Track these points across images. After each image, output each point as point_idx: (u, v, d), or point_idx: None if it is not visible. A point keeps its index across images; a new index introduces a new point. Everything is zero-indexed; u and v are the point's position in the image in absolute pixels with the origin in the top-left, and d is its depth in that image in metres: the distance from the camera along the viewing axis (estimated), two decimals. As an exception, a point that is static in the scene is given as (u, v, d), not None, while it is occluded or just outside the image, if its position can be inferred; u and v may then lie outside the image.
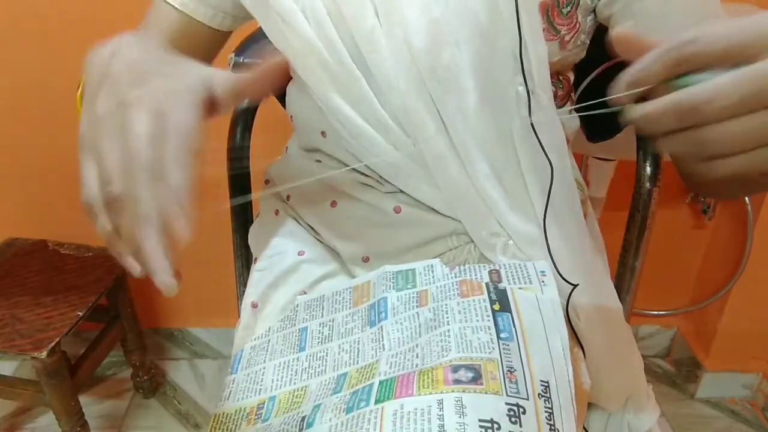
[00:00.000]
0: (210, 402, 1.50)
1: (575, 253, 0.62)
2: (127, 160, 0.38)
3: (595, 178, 1.21)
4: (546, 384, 0.48)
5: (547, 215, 0.61)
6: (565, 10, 0.59)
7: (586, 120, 0.74)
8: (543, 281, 0.57)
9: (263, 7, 0.60)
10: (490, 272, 0.58)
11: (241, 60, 0.83)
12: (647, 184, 0.74)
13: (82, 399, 1.28)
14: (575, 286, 0.60)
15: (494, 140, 0.60)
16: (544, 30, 0.58)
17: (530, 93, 0.57)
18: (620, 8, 0.59)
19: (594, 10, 0.61)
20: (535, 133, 0.59)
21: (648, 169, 0.74)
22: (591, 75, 0.78)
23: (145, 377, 1.49)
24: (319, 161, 0.70)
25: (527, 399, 0.46)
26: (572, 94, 0.69)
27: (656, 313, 1.58)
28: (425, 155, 0.60)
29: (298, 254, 0.69)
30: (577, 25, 0.60)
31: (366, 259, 0.66)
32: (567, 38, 0.60)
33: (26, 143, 1.36)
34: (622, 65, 0.83)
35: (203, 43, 0.67)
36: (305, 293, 0.66)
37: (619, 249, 0.78)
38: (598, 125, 0.82)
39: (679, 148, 0.33)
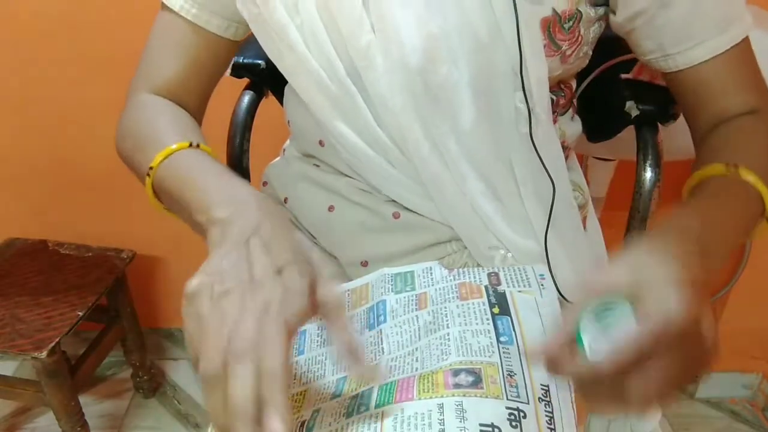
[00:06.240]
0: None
1: (577, 271, 0.61)
2: (229, 346, 0.39)
3: (595, 178, 1.20)
4: (546, 388, 0.48)
5: (548, 233, 0.60)
6: (567, 25, 0.58)
7: (586, 120, 0.74)
8: (542, 284, 0.57)
9: (259, 21, 0.60)
10: (489, 275, 0.58)
11: (241, 60, 0.83)
12: (647, 185, 0.74)
13: (82, 399, 1.28)
14: None
15: (489, 157, 0.59)
16: (545, 46, 0.57)
17: (530, 110, 0.57)
18: (643, 23, 0.58)
19: (598, 20, 0.61)
20: (536, 149, 0.58)
21: (648, 170, 0.73)
22: (591, 75, 0.78)
23: (145, 377, 1.49)
24: (317, 166, 0.70)
25: (528, 403, 0.46)
26: (573, 100, 0.69)
27: (656, 312, 1.57)
28: (420, 173, 0.60)
29: (296, 256, 0.69)
30: (579, 39, 0.60)
31: (365, 264, 0.66)
32: (568, 53, 0.60)
33: (27, 144, 1.36)
34: (622, 65, 0.83)
35: (217, 54, 0.66)
36: None
37: (620, 249, 0.78)
38: (598, 125, 0.82)
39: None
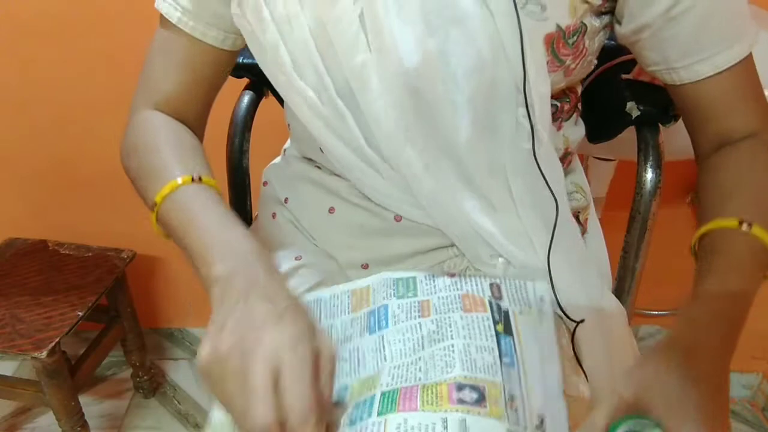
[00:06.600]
0: (210, 402, 1.50)
1: (579, 280, 0.61)
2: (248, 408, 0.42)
3: (595, 178, 1.20)
4: (542, 418, 0.48)
5: (550, 250, 0.60)
6: (570, 41, 0.57)
7: (586, 120, 0.73)
8: (541, 308, 0.56)
9: (252, 39, 0.59)
10: (491, 286, 0.58)
11: (241, 60, 0.83)
12: (648, 186, 0.73)
13: (82, 399, 1.28)
14: (579, 322, 0.60)
15: (484, 172, 0.59)
16: (547, 62, 0.56)
17: (533, 126, 0.56)
18: (649, 36, 0.58)
19: (603, 29, 0.60)
20: (539, 167, 0.58)
21: (649, 171, 0.73)
22: (591, 75, 0.78)
23: (145, 377, 1.49)
24: (318, 167, 0.70)
25: (525, 430, 0.46)
26: (578, 104, 0.69)
27: (657, 313, 1.57)
28: (414, 190, 0.60)
29: (295, 259, 0.68)
30: (584, 51, 0.59)
31: (365, 266, 0.66)
32: (572, 66, 0.59)
33: (27, 144, 1.36)
34: (623, 65, 0.82)
35: (216, 65, 0.66)
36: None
37: (620, 249, 0.78)
38: (599, 126, 0.82)
39: None
